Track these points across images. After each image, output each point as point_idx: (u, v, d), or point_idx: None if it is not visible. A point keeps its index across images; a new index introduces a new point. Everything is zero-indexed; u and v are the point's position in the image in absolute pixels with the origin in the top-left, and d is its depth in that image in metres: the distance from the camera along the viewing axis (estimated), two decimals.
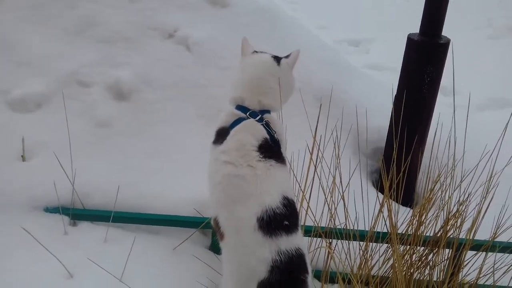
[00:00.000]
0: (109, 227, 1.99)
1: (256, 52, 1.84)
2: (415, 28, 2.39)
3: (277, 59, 1.80)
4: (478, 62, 4.52)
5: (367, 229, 1.99)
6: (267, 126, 1.71)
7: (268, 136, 1.69)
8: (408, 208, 2.35)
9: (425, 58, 2.32)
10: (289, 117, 2.04)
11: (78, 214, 2.05)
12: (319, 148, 1.90)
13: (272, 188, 1.59)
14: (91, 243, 1.95)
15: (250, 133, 1.67)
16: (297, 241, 1.58)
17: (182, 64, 2.63)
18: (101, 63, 2.46)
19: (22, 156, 2.13)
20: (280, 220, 1.55)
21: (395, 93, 2.48)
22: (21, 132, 2.17)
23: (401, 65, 2.46)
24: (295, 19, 3.40)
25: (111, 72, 2.43)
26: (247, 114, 1.71)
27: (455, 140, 1.92)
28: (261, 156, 1.63)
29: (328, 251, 1.98)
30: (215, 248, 2.09)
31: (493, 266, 1.89)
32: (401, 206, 2.22)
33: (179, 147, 2.38)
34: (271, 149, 1.67)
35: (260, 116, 1.71)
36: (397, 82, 2.49)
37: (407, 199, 2.48)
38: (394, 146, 2.00)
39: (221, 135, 1.71)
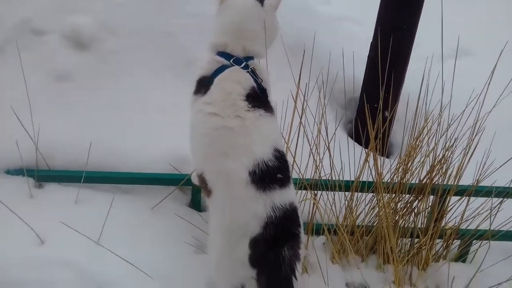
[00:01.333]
0: (80, 188, 1.84)
1: None
2: None
3: (260, 0, 1.65)
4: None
5: (352, 179, 1.96)
6: (253, 73, 1.59)
7: (255, 84, 1.57)
8: (388, 159, 2.34)
9: (402, 2, 2.26)
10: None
11: (45, 176, 1.88)
12: (304, 97, 1.80)
13: (262, 139, 1.50)
14: (61, 205, 1.80)
15: (236, 81, 1.54)
16: (290, 194, 1.51)
17: (146, 10, 2.42)
18: (57, 8, 2.20)
19: None
20: (273, 173, 1.46)
21: (368, 41, 2.41)
22: None
23: (377, 12, 2.38)
24: None
25: (68, 19, 2.19)
26: (231, 61, 1.58)
27: (443, 86, 1.88)
28: (250, 106, 1.51)
29: (314, 202, 1.94)
30: (195, 206, 1.99)
31: (476, 211, 1.91)
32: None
33: (148, 101, 2.21)
34: (259, 98, 1.55)
35: (245, 63, 1.58)
36: (373, 28, 2.41)
37: (384, 150, 2.47)
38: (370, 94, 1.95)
39: (203, 84, 1.57)
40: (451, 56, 1.92)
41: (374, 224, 1.99)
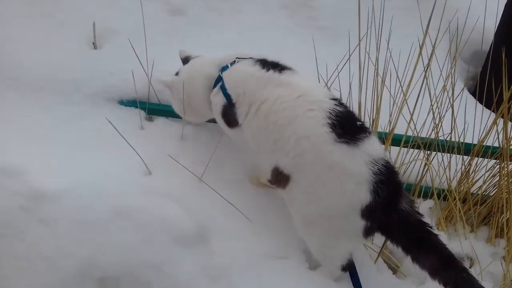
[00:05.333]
0: (185, 124, 1.85)
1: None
2: None
3: None
4: None
5: (473, 142, 1.77)
6: None
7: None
8: None
9: None
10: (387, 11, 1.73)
11: (155, 109, 1.90)
12: (433, 49, 1.61)
13: (313, 83, 1.47)
14: (168, 139, 1.82)
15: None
16: (379, 145, 1.39)
17: None
18: None
19: (93, 43, 1.96)
20: (351, 119, 1.36)
21: None
22: (90, 16, 1.98)
23: None
24: None
25: None
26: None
27: None
28: (276, 70, 1.45)
29: (425, 163, 1.79)
30: None
31: None
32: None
33: (259, 40, 2.14)
34: (270, 63, 1.50)
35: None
36: None
37: None
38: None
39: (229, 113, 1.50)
40: None
41: (491, 194, 1.81)
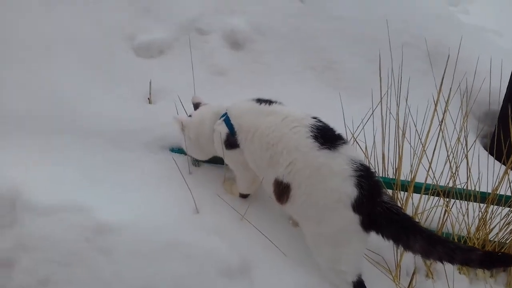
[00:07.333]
0: (226, 170, 2.05)
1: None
2: None
3: None
4: None
5: (487, 191, 1.93)
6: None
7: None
8: None
9: None
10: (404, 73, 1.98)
11: None
12: (446, 106, 1.84)
13: (294, 109, 1.75)
14: (213, 182, 2.04)
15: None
16: (355, 150, 1.70)
17: (293, 13, 2.62)
18: (218, 10, 2.50)
19: (148, 98, 2.23)
20: (329, 131, 1.66)
21: (510, 52, 2.33)
22: (145, 76, 2.28)
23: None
24: None
25: (228, 21, 2.47)
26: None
27: None
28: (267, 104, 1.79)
29: (446, 210, 1.95)
30: None
31: None
32: None
33: (290, 97, 2.39)
34: (264, 100, 1.83)
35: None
36: None
37: None
38: None
39: (231, 139, 1.81)
40: None
41: (507, 241, 1.94)
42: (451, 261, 1.54)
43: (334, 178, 1.57)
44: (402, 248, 1.66)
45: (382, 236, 1.60)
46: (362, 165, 1.60)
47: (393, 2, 2.95)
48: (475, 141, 1.92)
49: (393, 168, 2.00)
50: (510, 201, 1.89)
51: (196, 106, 2.03)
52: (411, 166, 1.96)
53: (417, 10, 2.96)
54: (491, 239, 1.96)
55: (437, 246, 1.53)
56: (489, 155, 2.26)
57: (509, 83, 2.48)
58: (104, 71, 2.33)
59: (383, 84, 1.95)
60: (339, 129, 1.74)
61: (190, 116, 2.00)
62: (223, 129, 1.82)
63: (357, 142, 1.99)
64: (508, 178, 1.89)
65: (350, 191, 1.55)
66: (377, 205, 1.56)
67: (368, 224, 1.58)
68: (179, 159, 2.05)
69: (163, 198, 1.88)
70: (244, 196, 2.00)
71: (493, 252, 1.85)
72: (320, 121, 1.69)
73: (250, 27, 2.50)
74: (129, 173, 1.97)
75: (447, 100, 1.85)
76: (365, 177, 1.57)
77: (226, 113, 1.85)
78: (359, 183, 1.55)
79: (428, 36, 2.70)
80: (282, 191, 1.67)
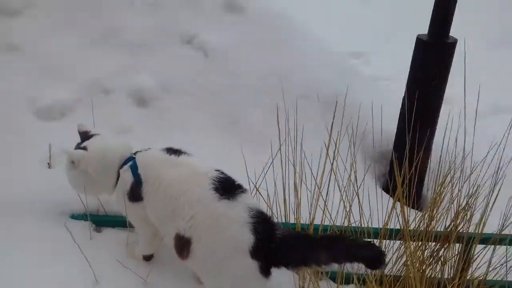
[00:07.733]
0: (129, 232, 2.03)
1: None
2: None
3: None
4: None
5: (380, 226, 2.07)
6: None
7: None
8: (417, 211, 2.43)
9: (432, 57, 2.43)
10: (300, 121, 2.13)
11: (100, 221, 2.10)
12: (335, 147, 1.99)
13: (200, 162, 1.80)
14: (116, 247, 2.01)
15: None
16: (253, 199, 1.77)
17: (198, 70, 2.75)
18: (123, 69, 2.56)
19: (48, 163, 2.21)
20: (230, 182, 1.72)
21: (401, 96, 2.58)
22: (46, 139, 2.26)
23: (409, 67, 2.56)
24: (307, 26, 3.52)
25: (133, 79, 2.54)
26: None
27: (465, 135, 2.02)
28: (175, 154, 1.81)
29: None
30: None
31: (505, 259, 1.96)
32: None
33: (196, 152, 2.47)
34: (174, 150, 1.84)
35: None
36: (405, 84, 2.59)
37: (416, 202, 2.56)
38: (407, 143, 2.11)
39: (136, 191, 1.79)
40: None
41: (402, 274, 2.04)
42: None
43: (232, 227, 1.61)
44: (314, 268, 1.72)
45: (288, 265, 1.64)
46: (258, 211, 1.66)
47: (297, 56, 3.15)
48: (363, 179, 2.07)
49: (294, 213, 2.10)
50: (399, 234, 2.03)
51: (84, 135, 1.91)
52: (310, 206, 2.07)
53: (321, 63, 3.21)
54: (387, 273, 2.03)
55: (339, 248, 1.59)
56: (383, 192, 2.46)
57: (398, 122, 2.71)
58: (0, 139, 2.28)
59: (281, 134, 2.09)
60: (242, 180, 1.85)
61: (83, 148, 1.84)
62: (129, 178, 1.80)
63: (258, 191, 2.08)
64: (396, 212, 2.04)
65: (247, 237, 1.59)
66: (271, 241, 1.61)
67: (267, 269, 1.62)
68: (79, 226, 2.01)
69: (59, 274, 1.82)
70: (147, 259, 1.97)
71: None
72: (222, 173, 1.75)
73: (157, 85, 2.59)
74: (19, 248, 1.87)
75: (336, 142, 2.00)
76: (261, 222, 1.62)
77: (132, 158, 1.83)
78: (255, 228, 1.60)
79: (323, 87, 2.94)
80: (183, 245, 1.68)
